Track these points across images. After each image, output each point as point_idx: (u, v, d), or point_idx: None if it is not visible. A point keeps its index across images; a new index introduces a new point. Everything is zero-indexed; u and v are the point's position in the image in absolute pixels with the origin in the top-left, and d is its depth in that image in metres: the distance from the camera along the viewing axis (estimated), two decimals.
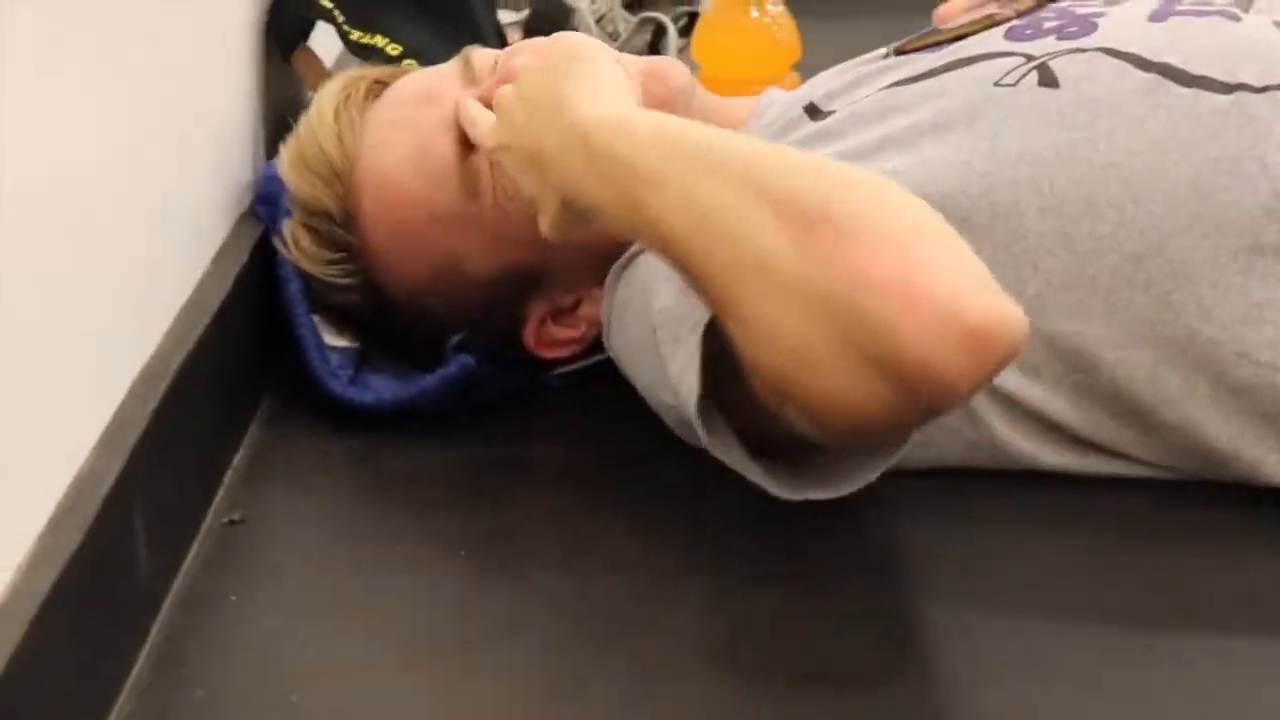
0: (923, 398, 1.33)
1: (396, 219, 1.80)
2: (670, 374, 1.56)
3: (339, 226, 1.82)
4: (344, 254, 1.83)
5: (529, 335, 1.82)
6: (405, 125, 1.81)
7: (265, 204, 1.91)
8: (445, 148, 1.77)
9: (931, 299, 1.30)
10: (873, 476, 1.49)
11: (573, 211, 1.49)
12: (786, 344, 1.36)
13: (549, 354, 1.83)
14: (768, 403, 1.42)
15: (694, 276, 1.41)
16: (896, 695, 1.41)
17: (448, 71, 1.84)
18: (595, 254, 1.75)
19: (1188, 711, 1.37)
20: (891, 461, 1.48)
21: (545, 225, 1.52)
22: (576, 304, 1.82)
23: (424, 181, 1.79)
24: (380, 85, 1.88)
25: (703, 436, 1.51)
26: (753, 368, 1.40)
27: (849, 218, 1.34)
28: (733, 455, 1.51)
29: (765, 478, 1.50)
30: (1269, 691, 1.39)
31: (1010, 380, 1.60)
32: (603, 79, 1.54)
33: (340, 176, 1.82)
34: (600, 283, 1.79)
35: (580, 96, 1.50)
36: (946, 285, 1.31)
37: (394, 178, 1.80)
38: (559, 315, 1.83)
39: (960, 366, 1.30)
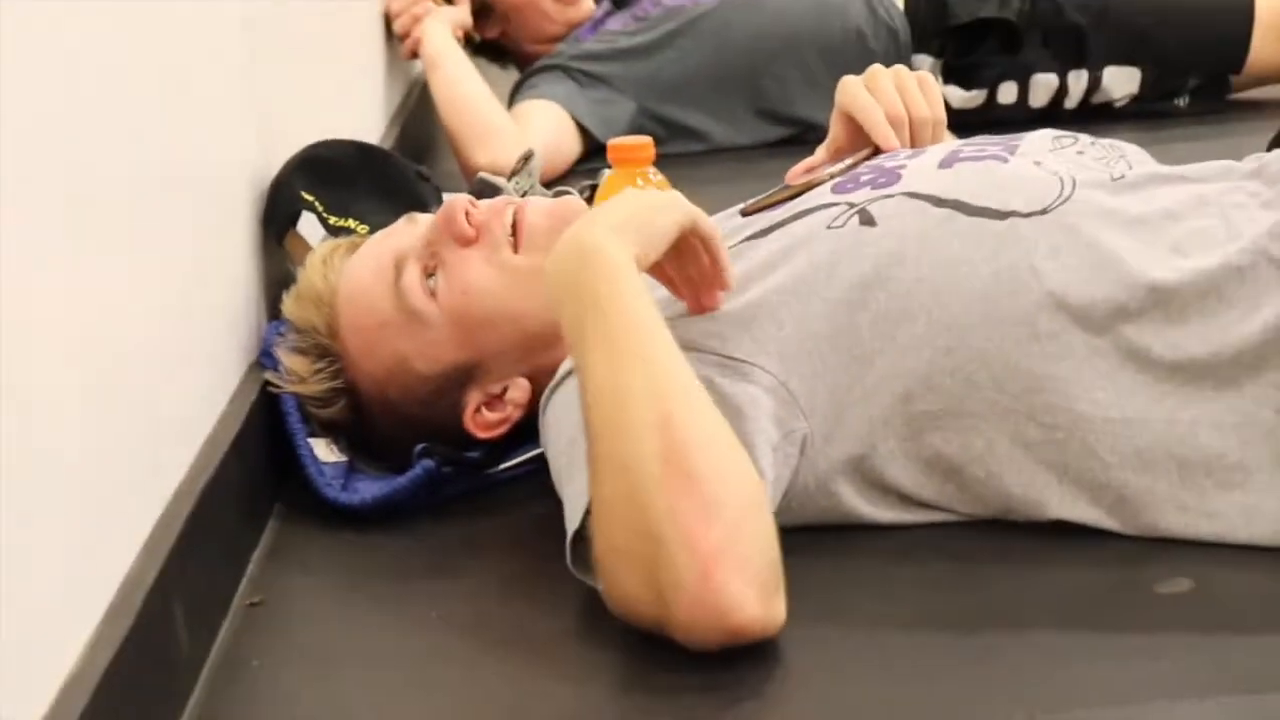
0: (678, 637, 1.42)
1: (361, 324, 1.85)
2: (567, 496, 1.59)
3: (324, 337, 1.87)
4: (327, 359, 1.87)
5: (468, 419, 1.83)
6: (370, 256, 1.87)
7: (268, 356, 1.94)
8: (385, 273, 1.83)
9: (720, 592, 1.38)
10: None
11: None
12: (611, 536, 1.44)
13: (484, 434, 1.84)
14: None
15: (588, 431, 1.48)
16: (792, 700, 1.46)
17: (400, 222, 1.91)
18: (517, 350, 1.81)
19: (1006, 688, 1.42)
20: None
21: None
22: (504, 392, 1.84)
23: (374, 295, 1.84)
24: (356, 247, 1.93)
25: (569, 559, 1.55)
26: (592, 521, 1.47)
27: (710, 486, 1.41)
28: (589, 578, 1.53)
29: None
30: (1061, 673, 1.42)
31: (858, 458, 1.64)
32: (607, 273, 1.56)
33: (324, 300, 1.87)
34: (522, 373, 1.83)
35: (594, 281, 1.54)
36: (737, 588, 1.39)
37: (358, 292, 1.86)
38: (491, 402, 1.84)
39: (708, 641, 1.41)
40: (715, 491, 1.41)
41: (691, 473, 1.41)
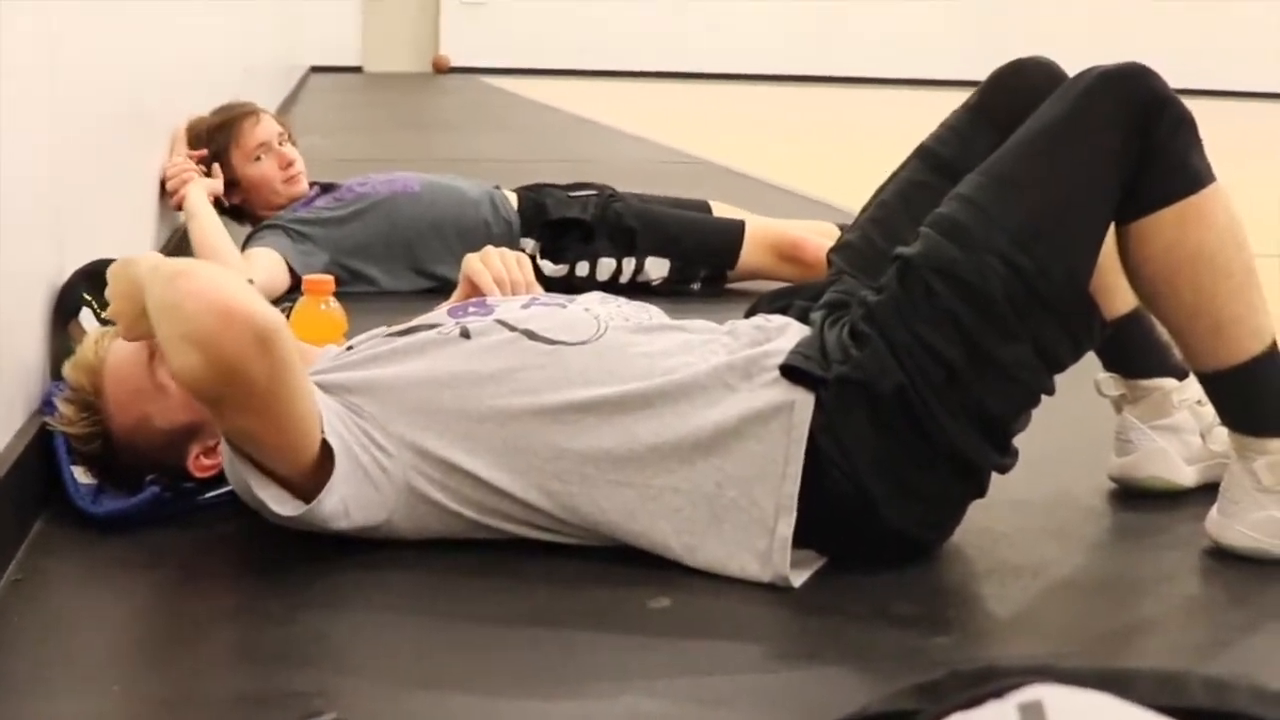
0: (229, 364, 1.48)
1: (116, 390, 1.77)
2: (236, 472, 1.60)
3: (90, 395, 1.78)
4: (90, 411, 1.78)
5: (190, 464, 1.76)
6: (125, 344, 1.78)
7: (49, 405, 1.86)
8: (141, 355, 1.76)
9: (227, 303, 1.48)
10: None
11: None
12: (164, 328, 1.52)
13: (202, 474, 1.77)
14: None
15: None
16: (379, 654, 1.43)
17: None
18: None
19: (540, 671, 1.42)
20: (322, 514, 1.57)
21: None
22: (216, 444, 1.75)
23: (130, 370, 1.77)
24: (120, 335, 1.82)
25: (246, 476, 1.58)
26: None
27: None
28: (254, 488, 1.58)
29: (274, 499, 1.58)
30: (577, 661, 1.44)
31: (440, 480, 1.63)
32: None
33: (94, 369, 1.79)
34: None
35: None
36: (224, 303, 1.48)
37: (118, 366, 1.78)
38: (207, 451, 1.77)
39: (239, 341, 1.48)
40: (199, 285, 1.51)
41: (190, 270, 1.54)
